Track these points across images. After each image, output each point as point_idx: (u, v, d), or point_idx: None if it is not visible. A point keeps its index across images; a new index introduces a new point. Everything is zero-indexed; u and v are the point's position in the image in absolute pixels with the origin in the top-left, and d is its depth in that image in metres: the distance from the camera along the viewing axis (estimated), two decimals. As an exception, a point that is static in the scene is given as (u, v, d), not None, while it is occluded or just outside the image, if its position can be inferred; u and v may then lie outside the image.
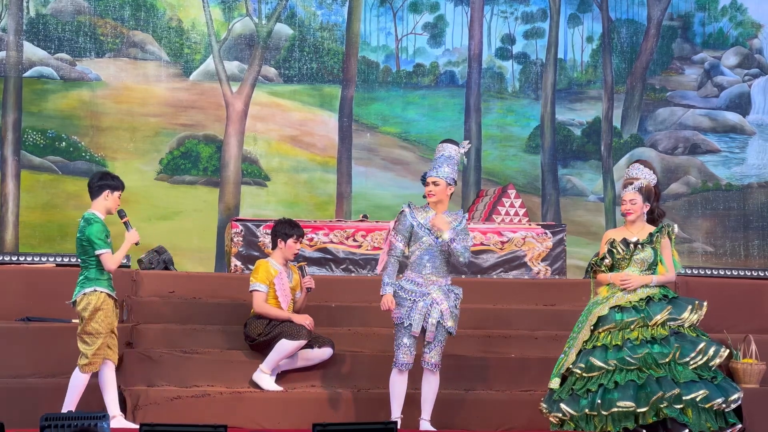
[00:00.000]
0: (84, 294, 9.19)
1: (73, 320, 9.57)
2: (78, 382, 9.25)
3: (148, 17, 15.12)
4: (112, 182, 9.35)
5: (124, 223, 9.40)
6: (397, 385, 9.40)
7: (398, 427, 8.18)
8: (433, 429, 9.47)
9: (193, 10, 15.28)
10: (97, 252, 9.14)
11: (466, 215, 9.57)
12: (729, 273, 13.60)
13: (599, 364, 8.93)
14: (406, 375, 9.39)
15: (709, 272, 13.60)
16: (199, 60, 15.22)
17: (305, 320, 10.16)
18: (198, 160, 15.06)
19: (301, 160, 15.33)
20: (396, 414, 9.41)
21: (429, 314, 9.27)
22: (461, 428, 9.89)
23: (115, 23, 15.07)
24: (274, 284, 10.25)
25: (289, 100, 15.42)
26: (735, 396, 8.97)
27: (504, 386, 10.45)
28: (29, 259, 12.95)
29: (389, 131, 15.62)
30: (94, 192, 9.33)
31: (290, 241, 10.34)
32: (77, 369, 9.25)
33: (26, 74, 14.73)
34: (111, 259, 9.18)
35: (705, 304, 9.19)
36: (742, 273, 13.67)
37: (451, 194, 9.42)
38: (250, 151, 15.18)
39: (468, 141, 9.91)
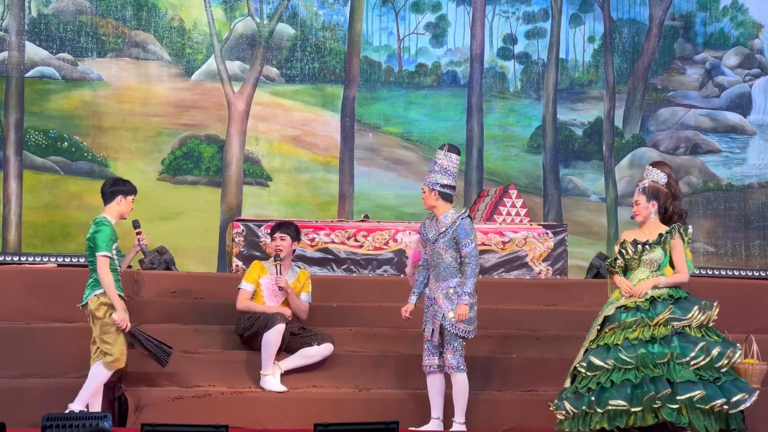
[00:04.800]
0: (96, 296, 9.29)
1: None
2: (100, 376, 9.34)
3: (149, 17, 15.13)
4: (124, 187, 9.59)
5: (137, 233, 9.56)
6: (429, 387, 9.77)
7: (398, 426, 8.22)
8: (441, 429, 9.69)
9: (194, 10, 15.28)
10: (97, 253, 9.22)
11: (464, 215, 9.63)
12: (730, 273, 13.62)
13: (599, 363, 9.05)
14: (434, 378, 9.71)
15: (710, 272, 13.61)
16: (200, 60, 15.23)
17: (281, 304, 10.31)
18: (200, 161, 15.07)
19: (303, 161, 15.33)
20: (433, 414, 9.75)
21: (434, 318, 9.61)
22: (462, 428, 9.91)
23: (117, 23, 15.07)
24: (260, 284, 10.34)
25: (291, 100, 15.43)
26: (737, 398, 8.97)
27: (505, 386, 10.47)
28: (32, 259, 12.97)
29: (391, 131, 15.62)
30: (107, 198, 9.56)
31: (270, 240, 10.47)
32: (100, 363, 9.32)
33: (28, 74, 14.74)
34: (105, 265, 9.24)
35: (715, 304, 9.25)
36: (743, 273, 13.69)
37: (446, 196, 9.67)
38: (252, 151, 15.18)
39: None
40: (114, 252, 9.34)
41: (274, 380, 10.13)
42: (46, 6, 14.86)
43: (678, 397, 8.82)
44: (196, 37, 15.24)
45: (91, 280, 9.37)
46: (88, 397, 9.32)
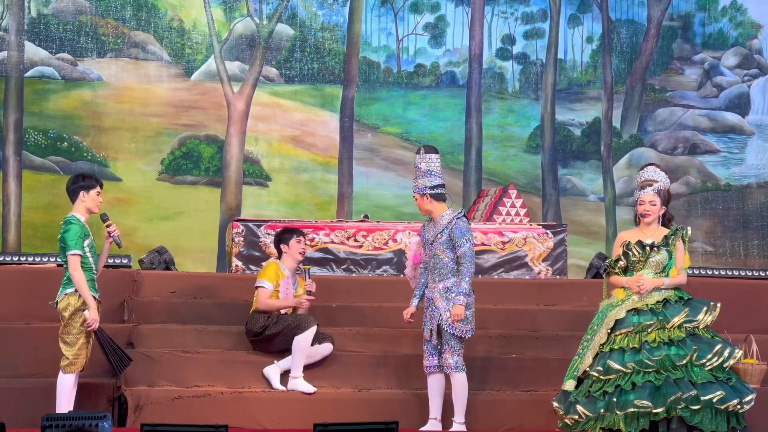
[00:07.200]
0: (65, 295, 9.27)
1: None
2: (64, 384, 9.31)
3: (149, 17, 15.14)
4: (84, 183, 9.47)
5: (107, 226, 9.48)
6: (429, 387, 9.78)
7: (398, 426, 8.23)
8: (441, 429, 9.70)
9: (194, 11, 15.30)
10: (67, 252, 9.21)
11: (460, 215, 9.64)
12: (729, 273, 13.63)
13: (617, 366, 9.01)
14: (434, 378, 9.71)
15: (709, 272, 13.62)
16: (200, 60, 15.24)
17: (305, 301, 10.25)
18: (199, 161, 15.09)
19: (303, 161, 15.35)
20: (431, 414, 9.76)
21: (432, 319, 9.61)
22: (462, 428, 9.92)
23: (117, 23, 15.09)
24: (279, 285, 10.27)
25: (291, 100, 15.45)
26: (749, 397, 9.05)
27: (504, 386, 10.47)
28: (31, 259, 12.97)
29: (390, 131, 15.64)
30: (71, 196, 9.47)
31: (292, 241, 10.37)
32: (60, 371, 9.31)
33: (28, 74, 14.76)
34: (75, 263, 9.22)
35: (719, 305, 9.26)
36: (741, 273, 13.69)
37: (438, 197, 9.67)
38: (252, 151, 15.20)
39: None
40: (87, 249, 9.31)
41: (304, 382, 10.10)
42: (46, 6, 14.87)
43: (702, 398, 8.84)
44: (196, 37, 15.26)
45: (64, 279, 9.35)
46: (64, 409, 9.28)
